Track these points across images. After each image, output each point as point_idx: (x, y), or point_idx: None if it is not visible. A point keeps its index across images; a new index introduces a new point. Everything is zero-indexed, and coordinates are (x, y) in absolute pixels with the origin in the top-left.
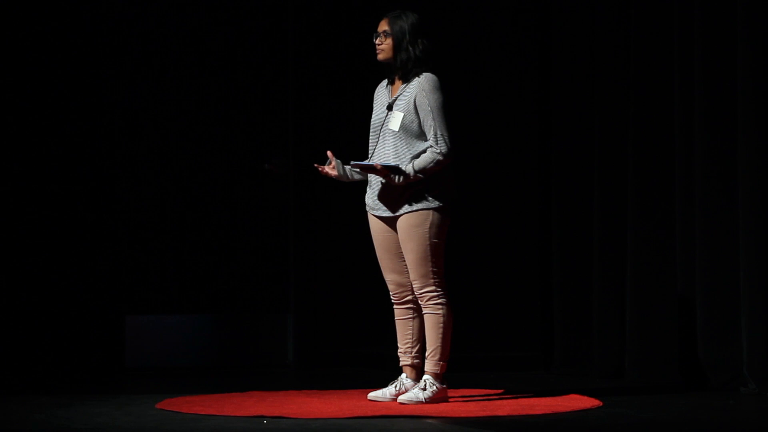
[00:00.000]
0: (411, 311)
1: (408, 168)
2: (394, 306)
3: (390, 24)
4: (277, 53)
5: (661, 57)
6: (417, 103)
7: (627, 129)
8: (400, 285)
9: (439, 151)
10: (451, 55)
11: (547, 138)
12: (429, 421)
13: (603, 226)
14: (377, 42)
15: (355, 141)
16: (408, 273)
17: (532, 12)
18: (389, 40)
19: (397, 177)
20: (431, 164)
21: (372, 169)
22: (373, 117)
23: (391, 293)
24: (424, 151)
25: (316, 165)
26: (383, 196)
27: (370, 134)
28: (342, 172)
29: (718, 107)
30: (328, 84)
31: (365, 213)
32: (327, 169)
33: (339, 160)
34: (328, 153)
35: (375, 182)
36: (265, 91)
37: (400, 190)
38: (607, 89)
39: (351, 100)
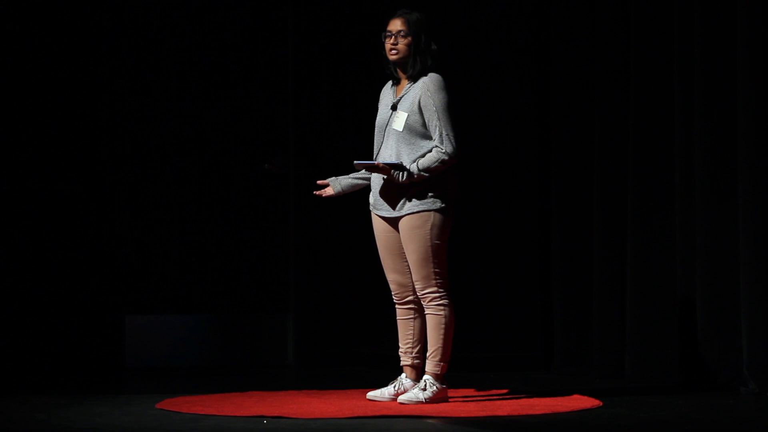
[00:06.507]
0: (412, 311)
1: (412, 167)
2: (396, 306)
3: (407, 24)
4: (277, 54)
5: (661, 57)
6: (422, 103)
7: (627, 129)
8: (401, 285)
9: (444, 150)
10: (450, 54)
11: (547, 138)
12: (429, 421)
13: (603, 226)
14: (391, 42)
15: (354, 141)
16: (410, 273)
17: (532, 11)
18: (406, 41)
19: (399, 174)
20: (436, 164)
21: (375, 167)
22: (377, 117)
23: (392, 293)
24: (430, 151)
25: (315, 192)
26: (386, 196)
27: (375, 134)
28: (341, 189)
29: (718, 107)
30: (328, 84)
31: (366, 213)
32: (325, 191)
33: (332, 178)
34: (318, 182)
35: (378, 182)
36: (265, 91)
37: (402, 190)
38: (607, 89)
39: (351, 100)
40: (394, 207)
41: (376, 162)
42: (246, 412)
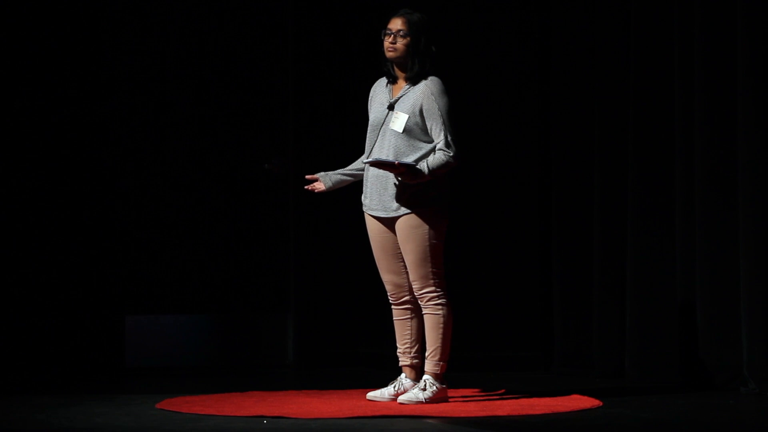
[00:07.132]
0: (409, 312)
1: (422, 166)
2: (392, 306)
3: (407, 24)
4: (277, 53)
5: (661, 57)
6: (424, 107)
7: (627, 129)
8: (397, 286)
9: (451, 154)
10: (450, 54)
11: (547, 138)
12: (429, 421)
13: (603, 226)
14: (390, 40)
15: (354, 140)
16: (405, 273)
17: (532, 11)
18: (405, 41)
19: (413, 176)
20: (442, 166)
21: (391, 165)
22: (372, 115)
23: (388, 294)
24: (430, 152)
25: (306, 187)
26: (381, 197)
27: (369, 132)
28: (331, 184)
29: (718, 107)
30: (328, 84)
31: (364, 213)
32: (315, 186)
33: (322, 173)
34: (307, 176)
35: (372, 182)
36: (265, 91)
37: (400, 190)
38: (607, 89)
39: (350, 99)
40: (389, 208)
41: (395, 161)
42: (246, 412)
